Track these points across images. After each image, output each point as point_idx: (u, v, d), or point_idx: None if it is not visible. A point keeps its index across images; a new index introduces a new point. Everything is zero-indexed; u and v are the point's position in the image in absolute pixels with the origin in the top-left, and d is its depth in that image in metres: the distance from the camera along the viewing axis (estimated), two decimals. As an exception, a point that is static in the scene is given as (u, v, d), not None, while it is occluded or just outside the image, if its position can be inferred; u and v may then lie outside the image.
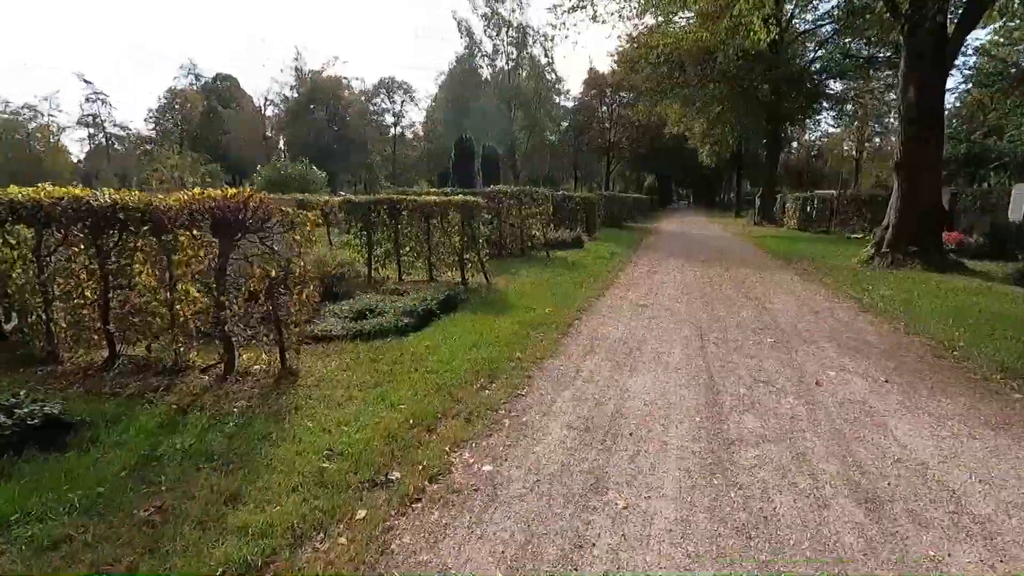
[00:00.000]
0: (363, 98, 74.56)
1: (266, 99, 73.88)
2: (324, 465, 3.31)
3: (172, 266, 5.27)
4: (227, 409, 4.19)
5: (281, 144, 73.93)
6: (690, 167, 55.95)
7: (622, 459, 3.51)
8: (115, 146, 75.67)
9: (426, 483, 3.18)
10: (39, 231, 5.57)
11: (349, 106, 72.11)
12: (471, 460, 3.47)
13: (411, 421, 3.95)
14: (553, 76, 46.54)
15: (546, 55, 43.41)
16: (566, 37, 46.57)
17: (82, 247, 5.48)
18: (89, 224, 5.35)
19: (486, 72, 43.64)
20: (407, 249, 10.81)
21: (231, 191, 4.89)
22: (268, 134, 74.91)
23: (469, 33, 41.69)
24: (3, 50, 78.52)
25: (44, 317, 5.65)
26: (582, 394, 4.68)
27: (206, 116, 69.26)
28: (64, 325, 5.63)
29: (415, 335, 6.51)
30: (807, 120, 36.82)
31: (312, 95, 69.34)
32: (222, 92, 72.60)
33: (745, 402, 4.48)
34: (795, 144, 58.82)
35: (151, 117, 72.38)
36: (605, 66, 47.63)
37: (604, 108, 55.87)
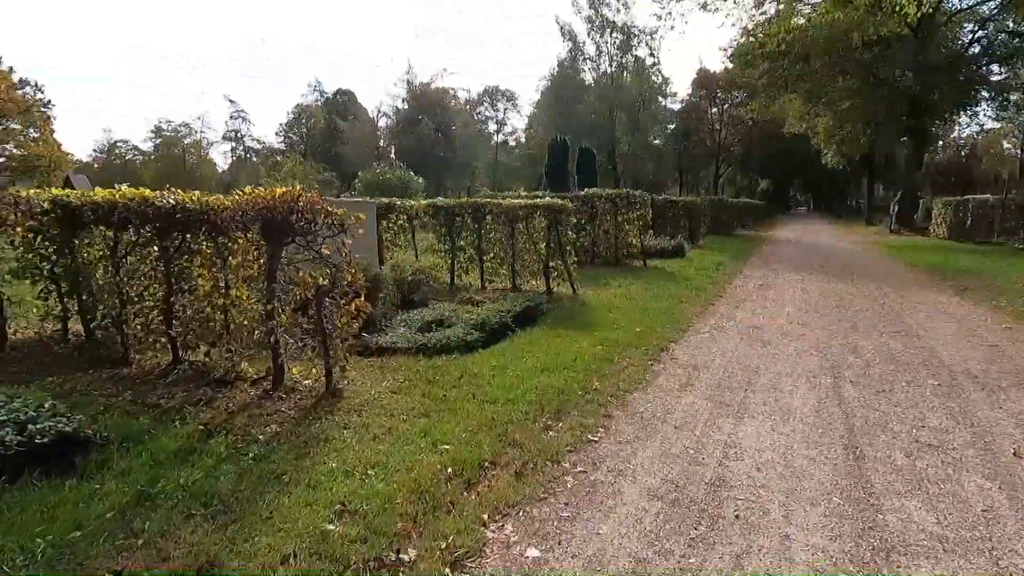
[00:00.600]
0: (468, 107, 76.38)
1: (379, 111, 77.93)
2: (329, 527, 2.63)
3: (227, 270, 4.98)
4: (254, 434, 3.69)
5: (392, 153, 77.77)
6: (811, 170, 50.95)
7: (723, 558, 2.49)
8: (252, 158, 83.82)
9: (447, 570, 2.38)
10: (116, 232, 5.55)
11: (454, 115, 74.18)
12: (513, 538, 2.63)
13: (450, 469, 3.19)
14: (659, 77, 44.52)
15: (652, 55, 41.58)
16: (671, 28, 44.29)
17: (151, 249, 5.38)
18: (156, 226, 5.21)
19: (589, 76, 42.70)
20: (490, 256, 10.20)
21: (279, 190, 4.45)
22: (381, 144, 79.16)
23: (572, 37, 41.07)
24: (164, 76, 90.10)
25: (118, 319, 5.63)
26: (673, 446, 3.66)
27: (327, 129, 74.63)
28: (136, 327, 5.56)
29: (483, 352, 5.78)
30: (959, 114, 31.80)
31: (421, 106, 72.23)
32: (341, 106, 77.85)
33: (906, 478, 3.22)
34: (939, 143, 51.51)
35: (280, 131, 79.24)
36: (716, 64, 44.72)
37: (714, 109, 52.53)
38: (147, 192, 5.26)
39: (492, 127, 79.27)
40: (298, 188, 4.45)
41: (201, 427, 3.77)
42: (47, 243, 6.06)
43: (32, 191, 6.02)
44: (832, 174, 45.04)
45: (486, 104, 76.70)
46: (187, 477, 3.07)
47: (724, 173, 51.92)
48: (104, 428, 3.72)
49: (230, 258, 4.95)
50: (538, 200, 9.56)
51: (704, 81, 49.97)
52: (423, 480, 3.04)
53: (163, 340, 5.43)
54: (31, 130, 38.33)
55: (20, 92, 37.63)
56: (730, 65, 41.88)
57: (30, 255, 6.19)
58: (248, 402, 4.36)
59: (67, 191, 5.86)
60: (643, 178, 48.50)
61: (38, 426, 3.22)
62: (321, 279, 4.45)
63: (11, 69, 37.43)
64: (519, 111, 74.37)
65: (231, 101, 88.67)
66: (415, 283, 8.44)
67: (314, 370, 4.78)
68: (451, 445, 3.51)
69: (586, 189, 14.38)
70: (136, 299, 5.48)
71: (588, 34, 41.01)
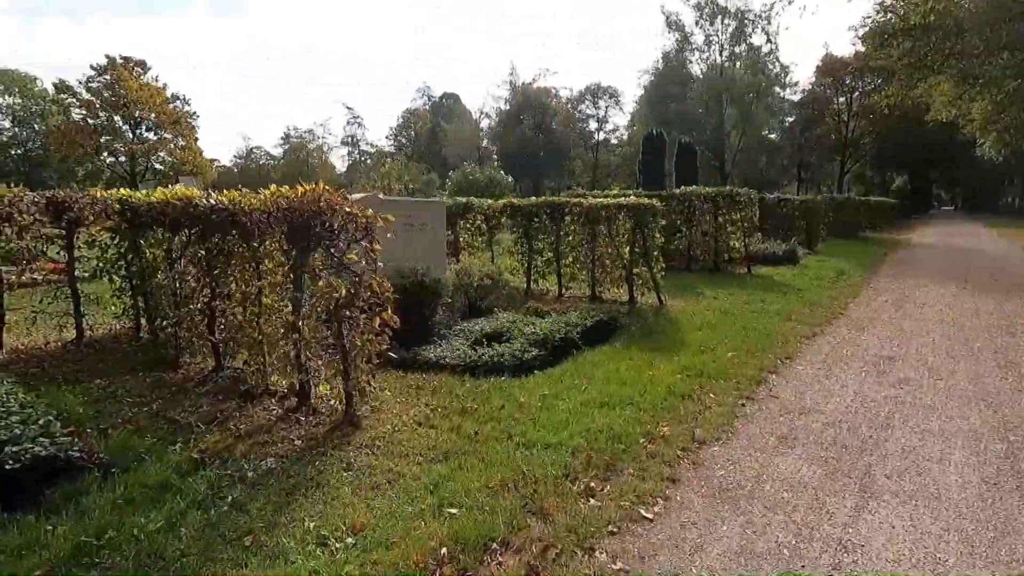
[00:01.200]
0: (569, 106, 75.41)
1: (481, 112, 79.22)
2: (264, 630, 1.99)
3: (260, 276, 4.62)
4: (246, 469, 3.20)
5: (493, 153, 78.79)
6: (960, 164, 44.05)
7: None
8: (366, 161, 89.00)
9: None
10: (170, 234, 5.45)
11: (555, 115, 73.57)
12: None
13: (446, 550, 2.44)
14: (776, 66, 40.60)
15: (769, 41, 37.94)
16: (789, 3, 39.93)
17: (198, 251, 5.20)
18: (200, 227, 5.00)
19: (696, 68, 39.95)
20: (569, 260, 9.34)
21: (302, 188, 3.96)
22: (484, 144, 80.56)
23: (679, 27, 38.53)
24: (293, 83, 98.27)
25: (171, 321, 5.54)
26: (759, 539, 2.64)
27: (431, 131, 77.29)
28: (185, 331, 5.42)
29: (538, 375, 4.98)
30: None
31: (522, 106, 72.41)
32: (446, 109, 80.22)
33: None
34: None
35: (390, 135, 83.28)
36: (843, 48, 39.95)
37: (841, 98, 47.08)
38: (194, 192, 5.07)
39: (593, 125, 77.64)
40: (321, 186, 3.93)
41: (196, 455, 3.35)
42: (121, 243, 6.19)
43: (103, 192, 6.16)
44: (985, 167, 38.53)
45: (588, 102, 75.24)
46: (146, 525, 2.59)
47: (851, 169, 46.32)
48: (105, 447, 3.43)
49: (265, 262, 4.58)
50: (621, 199, 8.55)
51: (830, 67, 44.92)
52: (404, 565, 2.32)
53: (209, 345, 5.24)
54: (179, 139, 43.04)
55: (171, 106, 42.38)
56: (861, 47, 37.31)
57: (108, 254, 6.38)
58: (264, 423, 3.92)
59: (130, 192, 5.90)
60: (754, 175, 44.67)
61: (14, 448, 2.92)
62: (344, 289, 3.90)
63: (165, 85, 42.29)
64: (621, 108, 72.07)
65: (348, 108, 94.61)
66: (482, 289, 7.81)
67: (338, 391, 4.26)
68: (460, 508, 2.77)
69: (683, 187, 13.00)
70: (185, 302, 5.32)
71: (697, 23, 38.39)
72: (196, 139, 44.47)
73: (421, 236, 7.93)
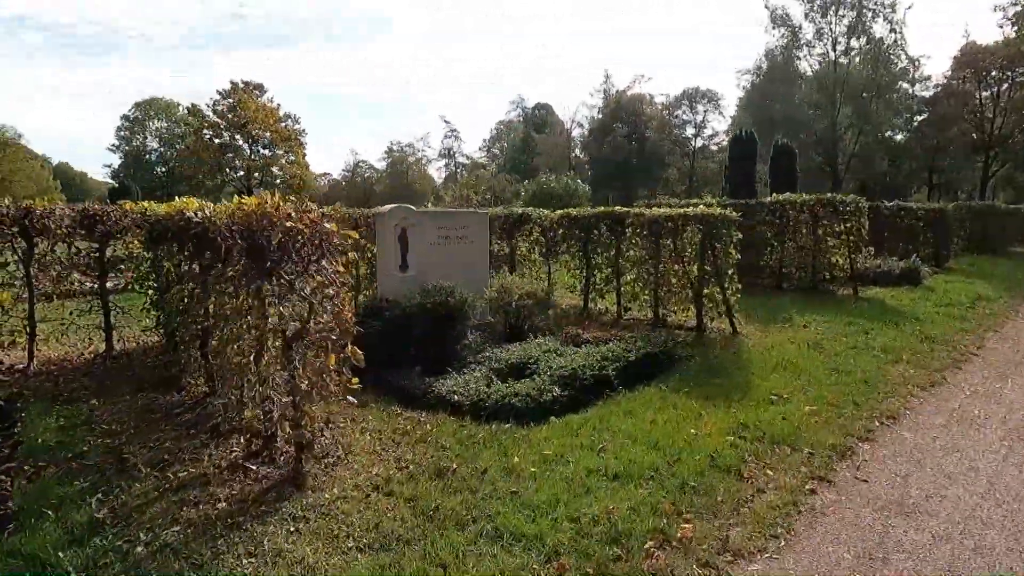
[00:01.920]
0: (664, 112, 72.61)
1: (573, 120, 78.37)
2: None
3: (230, 298, 4.14)
4: (138, 543, 2.62)
5: (584, 163, 77.60)
6: None
7: None
8: (462, 172, 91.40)
9: None
10: (178, 249, 5.20)
11: (649, 122, 71.14)
12: None
13: None
14: (902, 59, 35.83)
15: (893, 30, 33.40)
16: None
17: (192, 268, 4.87)
18: (192, 243, 4.66)
19: (805, 64, 36.25)
20: (629, 277, 8.26)
21: (250, 199, 3.38)
22: (577, 153, 79.68)
23: (785, 21, 35.12)
24: (394, 98, 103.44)
25: (174, 340, 5.29)
26: None
27: (524, 141, 77.67)
28: (183, 351, 5.14)
29: (552, 424, 4.09)
30: None
31: (615, 114, 70.69)
32: (539, 119, 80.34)
33: None
34: None
35: (484, 146, 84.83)
36: (987, 34, 34.44)
37: (985, 92, 40.63)
38: (190, 204, 4.75)
39: (690, 131, 74.13)
40: (276, 198, 3.33)
41: (101, 515, 2.84)
42: (147, 256, 6.12)
43: (131, 204, 6.12)
44: None
45: (684, 107, 71.90)
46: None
47: (997, 172, 39.77)
48: (23, 494, 3.04)
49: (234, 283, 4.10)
50: (688, 209, 7.35)
51: (970, 57, 38.98)
52: None
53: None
54: (289, 155, 46.39)
55: (283, 124, 45.81)
56: (1011, 31, 32.15)
57: (141, 268, 6.35)
58: (211, 470, 3.37)
59: (150, 204, 5.78)
60: (874, 180, 39.77)
61: None
62: (295, 318, 3.26)
63: (278, 106, 45.81)
64: (721, 112, 68.05)
65: (446, 121, 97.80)
66: (524, 309, 6.98)
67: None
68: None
69: (774, 194, 11.32)
70: (184, 320, 5.02)
71: (806, 16, 34.84)
72: (304, 155, 47.67)
73: (460, 249, 7.27)
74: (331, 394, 3.27)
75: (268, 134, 44.23)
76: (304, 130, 47.55)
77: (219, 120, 42.55)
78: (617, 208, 8.37)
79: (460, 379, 4.96)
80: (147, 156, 60.32)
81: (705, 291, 7.29)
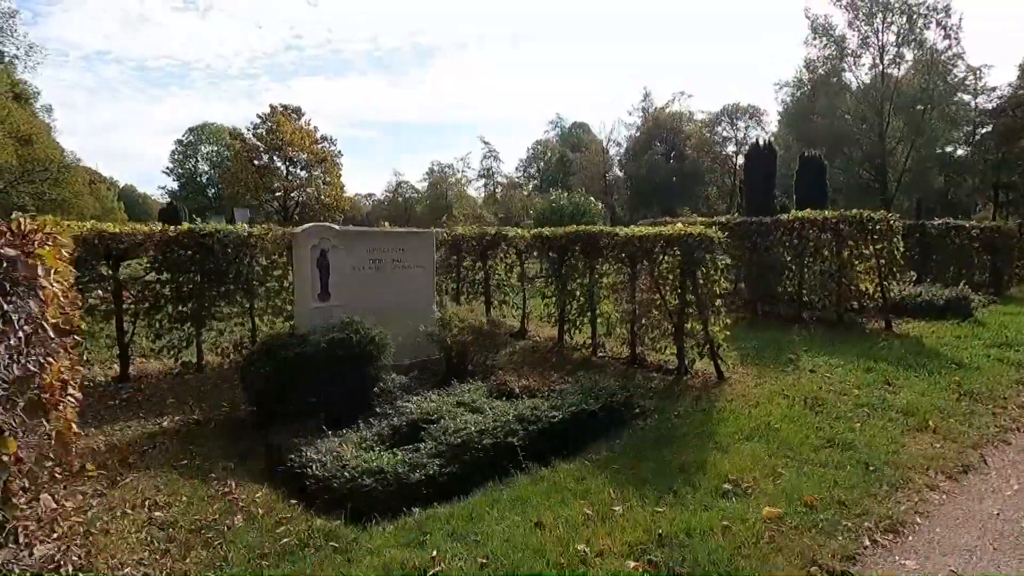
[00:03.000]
0: (704, 129, 70.52)
1: (609, 139, 77.09)
2: None
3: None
4: None
5: (621, 182, 76.00)
6: None
7: None
8: (499, 192, 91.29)
9: None
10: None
11: (688, 139, 69.20)
12: None
13: None
14: (960, 67, 32.96)
15: (947, 36, 30.64)
16: None
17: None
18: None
19: (850, 75, 33.79)
20: (605, 308, 7.07)
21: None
22: (616, 172, 78.18)
23: (827, 31, 32.87)
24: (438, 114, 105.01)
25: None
26: None
27: (560, 160, 76.93)
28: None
29: (393, 526, 2.98)
30: None
31: (653, 132, 69.07)
32: (575, 138, 79.49)
33: None
34: None
35: (520, 166, 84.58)
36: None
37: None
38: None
39: (731, 148, 71.67)
40: None
41: None
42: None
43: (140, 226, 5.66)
44: None
45: (724, 123, 69.57)
46: None
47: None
48: None
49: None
50: (664, 228, 6.11)
51: (1039, 64, 35.52)
52: None
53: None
54: (325, 176, 47.10)
55: (320, 146, 46.63)
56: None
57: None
58: None
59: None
60: (931, 198, 36.63)
61: None
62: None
63: (315, 128, 46.70)
64: (764, 128, 65.39)
65: (485, 142, 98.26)
66: (461, 345, 5.91)
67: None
68: None
69: (793, 211, 9.83)
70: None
71: (851, 24, 32.55)
72: (339, 175, 48.30)
73: (398, 275, 6.29)
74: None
75: (304, 155, 45.06)
76: (340, 151, 48.25)
77: (258, 143, 43.65)
78: (591, 227, 7.20)
79: (330, 443, 3.92)
80: (198, 178, 63.02)
81: (687, 326, 6.02)
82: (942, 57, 32.55)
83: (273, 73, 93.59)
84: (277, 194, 45.99)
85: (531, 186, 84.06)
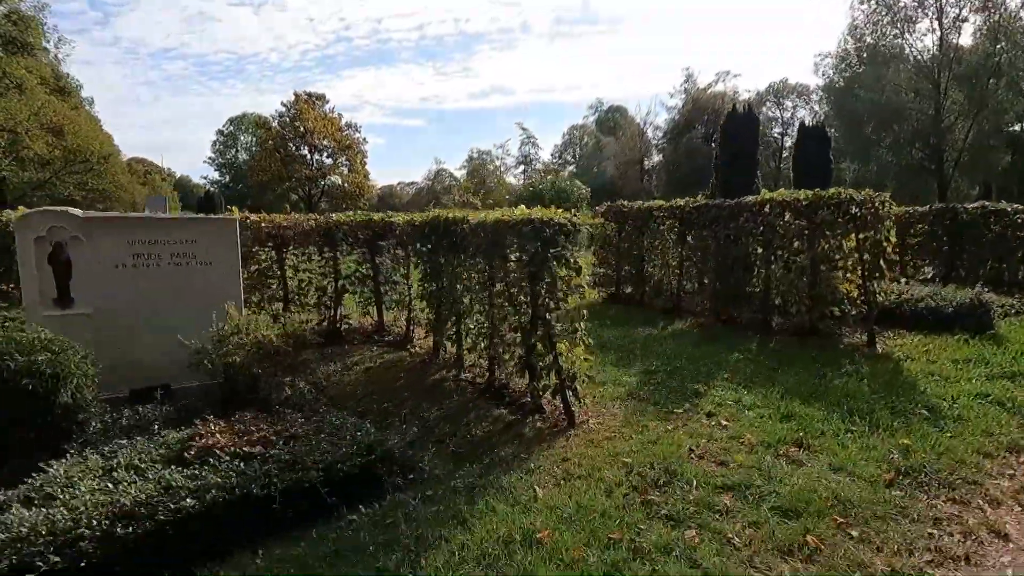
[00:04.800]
0: (747, 109, 65.83)
1: (645, 122, 73.38)
2: None
3: None
4: None
5: (654, 165, 72.43)
6: None
7: None
8: (536, 179, 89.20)
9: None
10: None
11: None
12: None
13: None
14: (1036, 31, 28.25)
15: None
16: None
17: None
18: None
19: (904, 43, 29.54)
20: (473, 318, 5.46)
21: None
22: (656, 157, 74.46)
23: (876, -4, 28.84)
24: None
25: None
26: None
27: (596, 145, 73.99)
28: None
29: None
30: None
31: (692, 114, 65.13)
32: (612, 123, 76.16)
33: None
34: None
35: (555, 151, 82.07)
36: None
37: None
38: None
39: (776, 131, 66.82)
40: None
41: None
42: None
43: None
44: None
45: (769, 103, 64.80)
46: None
47: None
48: None
49: None
50: (514, 215, 4.39)
51: None
52: None
53: None
54: (348, 163, 46.64)
55: (344, 133, 46.14)
56: None
57: None
58: None
59: None
60: (996, 180, 32.19)
61: None
62: None
63: (340, 116, 46.20)
64: (812, 106, 60.55)
65: (523, 129, 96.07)
66: (242, 368, 4.47)
67: None
68: None
69: (764, 191, 7.73)
70: None
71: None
72: (364, 163, 47.74)
73: (183, 274, 4.91)
74: None
75: (327, 142, 44.68)
76: (364, 139, 47.65)
77: (283, 130, 43.56)
78: (450, 212, 5.54)
79: None
80: (238, 168, 64.27)
81: (540, 347, 4.35)
82: (1009, 19, 28.11)
83: (325, 65, 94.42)
84: (302, 182, 45.92)
85: (567, 172, 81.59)
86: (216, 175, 63.47)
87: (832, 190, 6.66)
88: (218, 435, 3.29)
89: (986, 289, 7.08)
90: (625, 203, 9.84)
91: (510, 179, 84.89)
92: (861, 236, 6.49)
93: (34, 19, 34.95)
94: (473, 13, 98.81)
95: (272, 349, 4.60)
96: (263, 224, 6.49)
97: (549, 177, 18.55)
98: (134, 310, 4.68)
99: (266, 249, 6.66)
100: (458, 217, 5.24)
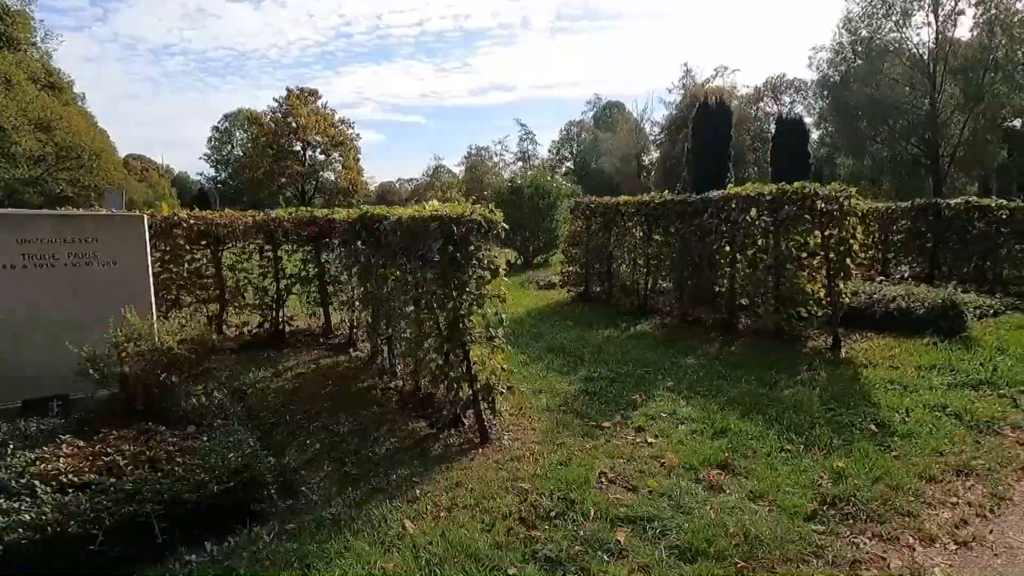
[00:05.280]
0: (742, 105, 65.23)
1: (643, 117, 72.75)
2: None
3: None
4: None
5: (653, 161, 71.84)
6: None
7: None
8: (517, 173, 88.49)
9: None
10: None
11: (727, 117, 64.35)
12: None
13: None
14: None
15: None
16: None
17: None
18: None
19: (896, 35, 28.92)
20: (401, 321, 5.07)
21: None
22: (653, 153, 73.83)
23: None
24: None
25: None
26: None
27: (592, 142, 73.36)
28: None
29: None
30: None
31: (689, 109, 64.56)
32: (610, 119, 75.50)
33: None
34: None
35: (552, 148, 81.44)
36: None
37: None
38: None
39: (774, 126, 66.47)
40: None
41: None
42: None
43: None
44: None
45: (766, 99, 64.12)
46: None
47: None
48: None
49: None
50: (424, 211, 4.00)
51: None
52: None
53: None
54: (341, 160, 46.21)
55: (336, 130, 45.69)
56: None
57: None
58: None
59: None
60: (992, 176, 31.64)
61: None
62: None
63: (333, 112, 45.74)
64: (809, 101, 59.80)
65: (522, 125, 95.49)
66: (141, 376, 4.10)
67: None
68: None
69: (731, 186, 7.32)
70: None
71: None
72: (357, 159, 47.31)
73: (86, 276, 4.55)
74: None
75: (319, 138, 44.25)
76: (357, 135, 47.20)
77: (274, 126, 43.14)
78: (377, 209, 5.15)
79: None
80: (234, 164, 63.87)
81: (453, 354, 3.98)
82: (1011, 12, 27.52)
83: (325, 61, 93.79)
84: (294, 179, 45.50)
85: (564, 168, 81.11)
86: (212, 171, 63.13)
87: (797, 184, 6.26)
88: (61, 459, 2.92)
89: (971, 287, 6.68)
90: (593, 199, 9.44)
91: (508, 176, 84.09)
92: (827, 233, 6.09)
93: (23, 14, 34.51)
94: (474, 9, 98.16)
95: (171, 358, 4.23)
96: (192, 222, 6.11)
97: (531, 173, 18.20)
98: (25, 314, 4.31)
99: (199, 247, 6.28)
100: (380, 213, 4.86)
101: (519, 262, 14.86)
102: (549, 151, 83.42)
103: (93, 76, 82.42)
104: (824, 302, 6.18)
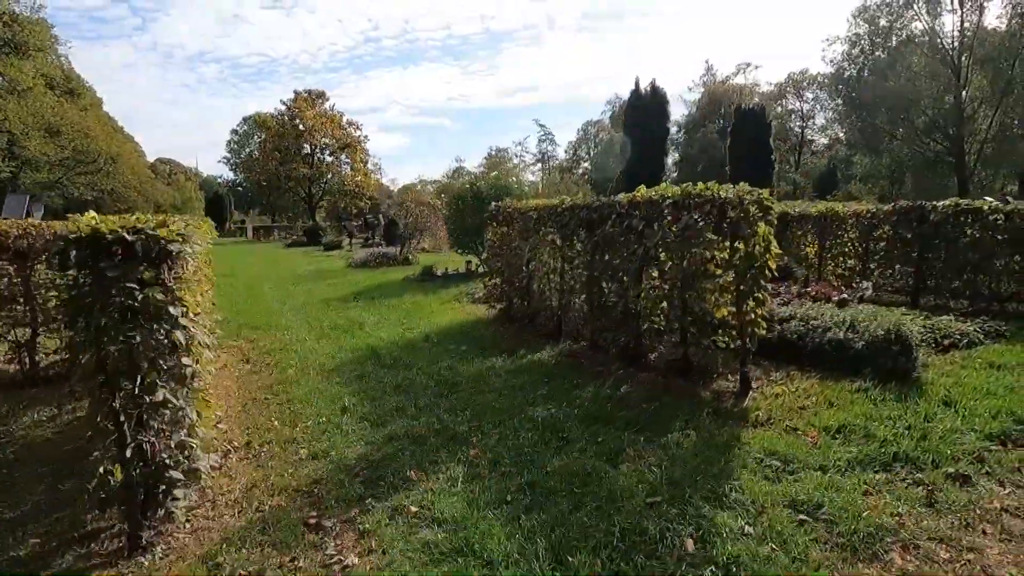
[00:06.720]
0: (763, 102, 62.82)
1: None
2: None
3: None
4: None
5: (672, 162, 69.70)
6: None
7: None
8: (555, 176, 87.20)
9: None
10: None
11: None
12: None
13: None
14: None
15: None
16: None
17: None
18: None
19: (917, 24, 26.62)
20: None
21: None
22: (672, 153, 71.54)
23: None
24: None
25: None
26: None
27: (609, 142, 71.65)
28: None
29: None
30: None
31: (708, 108, 62.23)
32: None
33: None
34: None
35: (569, 149, 79.94)
36: None
37: None
38: None
39: (797, 123, 63.35)
40: None
41: None
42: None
43: None
44: None
45: (789, 96, 61.28)
46: None
47: None
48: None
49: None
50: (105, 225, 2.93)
51: None
52: None
53: None
54: (349, 161, 45.84)
55: (344, 131, 45.33)
56: None
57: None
58: None
59: None
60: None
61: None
62: None
63: (341, 114, 45.42)
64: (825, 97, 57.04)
65: (541, 126, 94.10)
66: None
67: None
68: None
69: (640, 188, 6.02)
70: None
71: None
72: (365, 161, 46.86)
73: None
74: None
75: (327, 140, 43.94)
76: (366, 136, 46.75)
77: (282, 128, 43.00)
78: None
79: None
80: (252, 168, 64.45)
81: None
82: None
83: (353, 66, 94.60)
84: (301, 182, 45.29)
85: (581, 169, 79.68)
86: (231, 175, 63.90)
87: (700, 186, 4.96)
88: None
89: (962, 304, 5.25)
90: (510, 204, 8.23)
91: (528, 176, 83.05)
92: (736, 243, 4.78)
93: (38, 22, 35.04)
94: (499, 10, 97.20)
95: None
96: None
97: (494, 174, 17.05)
98: None
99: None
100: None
101: (479, 269, 13.65)
102: (565, 152, 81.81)
103: (131, 83, 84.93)
104: (734, 330, 4.88)
